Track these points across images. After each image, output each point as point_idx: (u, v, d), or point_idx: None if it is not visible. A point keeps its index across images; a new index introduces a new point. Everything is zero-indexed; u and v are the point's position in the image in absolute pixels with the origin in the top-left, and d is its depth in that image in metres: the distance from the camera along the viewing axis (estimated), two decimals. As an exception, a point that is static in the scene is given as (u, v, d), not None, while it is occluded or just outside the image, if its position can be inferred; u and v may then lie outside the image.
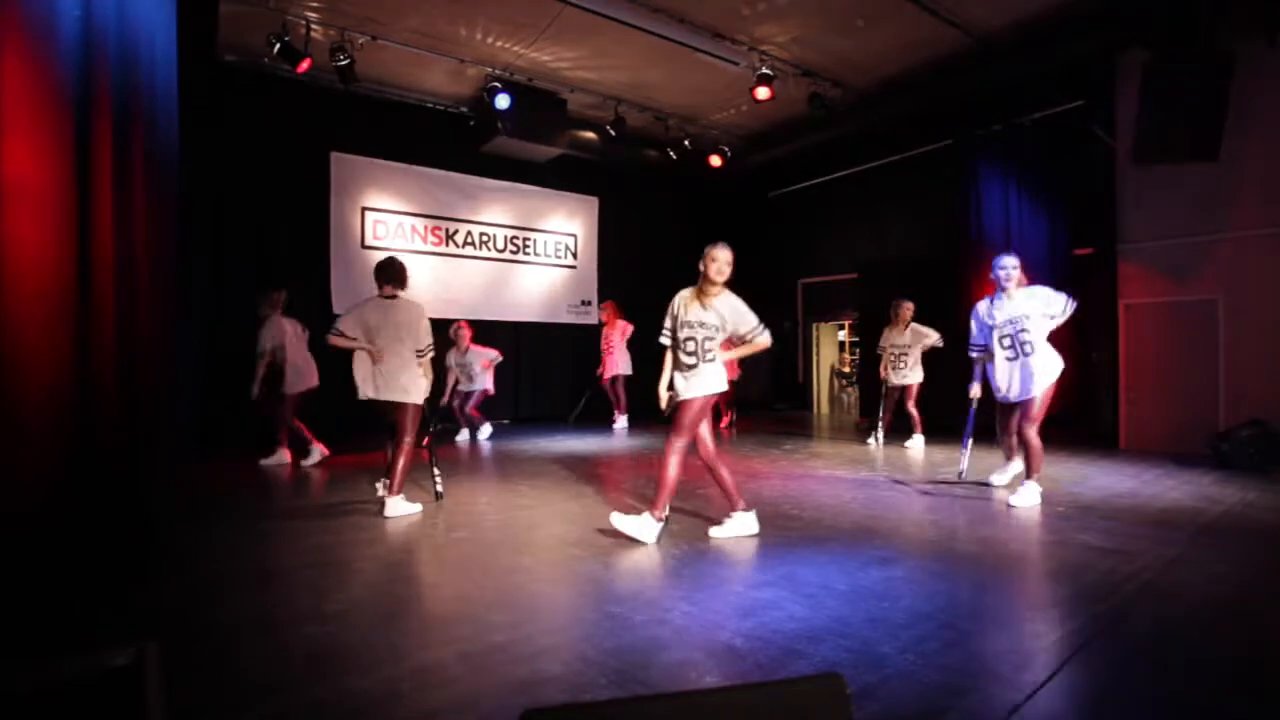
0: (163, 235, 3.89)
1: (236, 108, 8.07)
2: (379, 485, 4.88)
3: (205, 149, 7.54)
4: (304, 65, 7.51)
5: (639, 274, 11.07)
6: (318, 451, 6.61)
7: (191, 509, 4.63)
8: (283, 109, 8.41)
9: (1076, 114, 8.26)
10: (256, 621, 2.75)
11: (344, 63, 7.69)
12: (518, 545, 3.90)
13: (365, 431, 8.44)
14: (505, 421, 10.33)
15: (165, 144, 4.01)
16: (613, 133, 9.73)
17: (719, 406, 5.95)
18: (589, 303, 11.12)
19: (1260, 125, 6.84)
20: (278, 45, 7.33)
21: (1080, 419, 8.44)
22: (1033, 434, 4.98)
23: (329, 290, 8.86)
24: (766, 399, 12.69)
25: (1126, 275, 7.82)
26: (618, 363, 9.55)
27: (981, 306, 5.32)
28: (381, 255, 9.55)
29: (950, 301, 9.06)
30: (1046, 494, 5.11)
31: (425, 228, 9.72)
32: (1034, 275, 9.26)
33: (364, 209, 9.21)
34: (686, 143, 10.56)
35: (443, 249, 9.88)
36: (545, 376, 10.73)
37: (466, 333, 8.22)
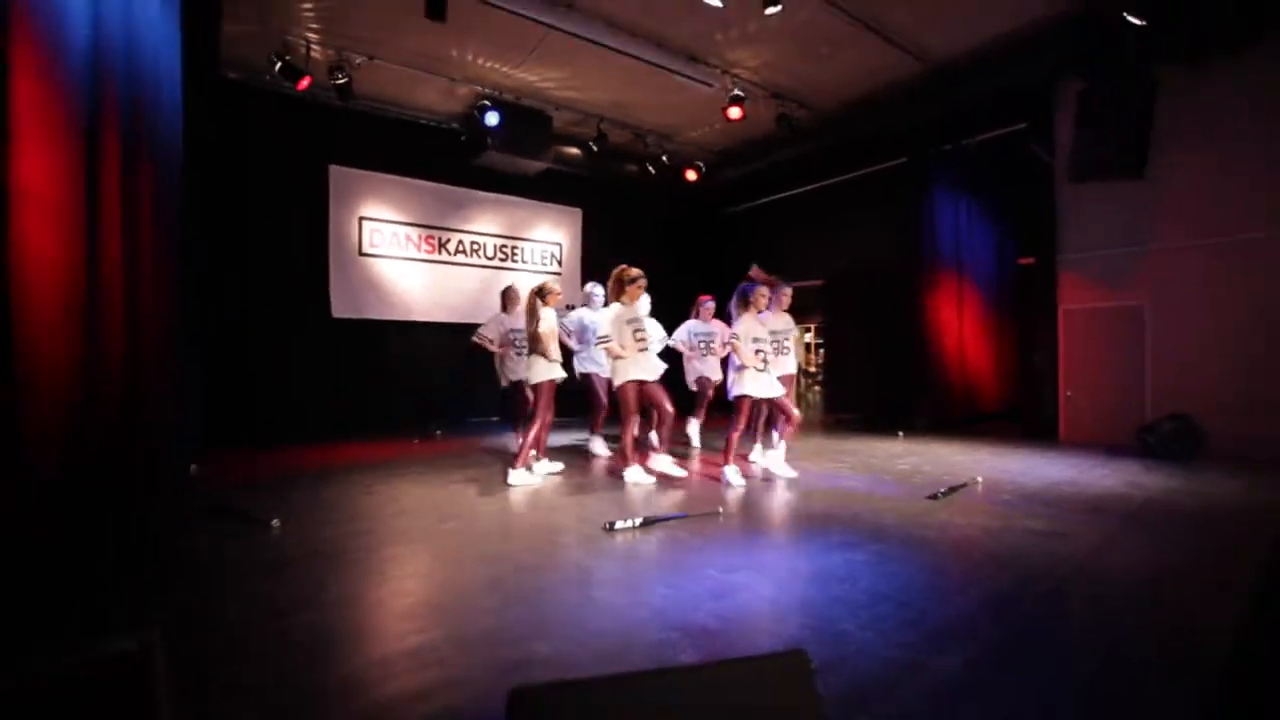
0: (167, 242, 3.83)
1: (239, 123, 7.95)
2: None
3: (208, 162, 7.43)
4: (304, 83, 7.41)
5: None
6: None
7: (192, 505, 4.57)
8: (284, 124, 8.29)
9: (1020, 135, 8.38)
10: (259, 611, 2.72)
11: (342, 81, 7.60)
12: (506, 534, 3.89)
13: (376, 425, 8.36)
14: (494, 419, 10.29)
15: (169, 156, 3.94)
16: (595, 148, 9.71)
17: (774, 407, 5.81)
18: (573, 307, 11.07)
19: (1181, 145, 6.97)
20: (279, 64, 7.23)
21: (1024, 415, 8.59)
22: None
23: (328, 295, 8.75)
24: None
25: (1066, 283, 7.95)
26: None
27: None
28: (377, 262, 9.60)
29: (906, 306, 9.17)
30: (993, 483, 5.18)
31: (419, 236, 9.64)
32: (982, 283, 9.46)
33: (361, 218, 9.11)
34: (664, 158, 10.57)
35: (436, 256, 9.80)
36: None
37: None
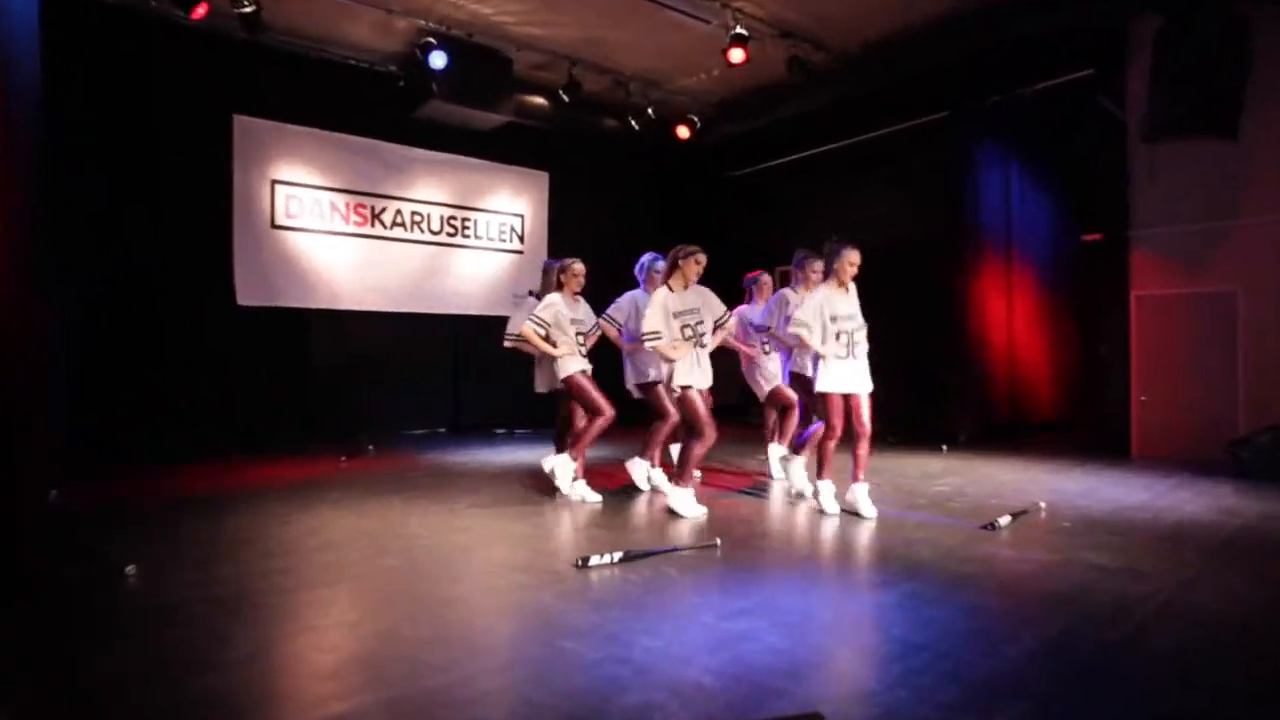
0: (24, 209, 3.74)
1: (117, 58, 7.82)
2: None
3: (76, 109, 7.32)
4: (199, 11, 7.32)
5: (594, 260, 11.01)
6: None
7: (62, 532, 4.48)
8: (174, 62, 8.18)
9: (1084, 85, 8.45)
10: (143, 672, 2.66)
11: (249, 9, 7.52)
12: (455, 572, 3.85)
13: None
14: (441, 430, 10.23)
15: (24, 95, 3.84)
16: (566, 98, 9.68)
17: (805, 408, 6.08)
18: (535, 294, 11.05)
19: (1283, 99, 7.04)
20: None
21: (1087, 423, 8.66)
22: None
23: (231, 277, 8.66)
24: (742, 404, 12.73)
25: (1139, 264, 8.03)
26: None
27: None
28: (295, 237, 9.51)
29: (944, 291, 9.22)
30: (1050, 507, 5.22)
31: (347, 205, 9.57)
32: (1036, 263, 9.55)
33: (274, 182, 9.02)
34: (650, 111, 10.57)
35: (367, 230, 9.73)
36: (488, 378, 10.63)
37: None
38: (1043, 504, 5.31)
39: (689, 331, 5.14)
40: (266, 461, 7.45)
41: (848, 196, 11.46)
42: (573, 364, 5.60)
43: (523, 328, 5.68)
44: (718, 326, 5.34)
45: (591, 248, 11.23)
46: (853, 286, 5.22)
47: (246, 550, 4.25)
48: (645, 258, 6.11)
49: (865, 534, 4.66)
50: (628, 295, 6.07)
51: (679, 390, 5.20)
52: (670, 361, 5.19)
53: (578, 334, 5.66)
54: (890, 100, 9.84)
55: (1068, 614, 3.22)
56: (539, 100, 10.15)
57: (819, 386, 5.05)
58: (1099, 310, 8.43)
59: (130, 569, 3.73)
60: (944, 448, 8.34)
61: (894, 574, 3.79)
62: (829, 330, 5.03)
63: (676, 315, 5.14)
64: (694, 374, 5.15)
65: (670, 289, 5.19)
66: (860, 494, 5.05)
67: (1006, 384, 9.23)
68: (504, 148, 10.61)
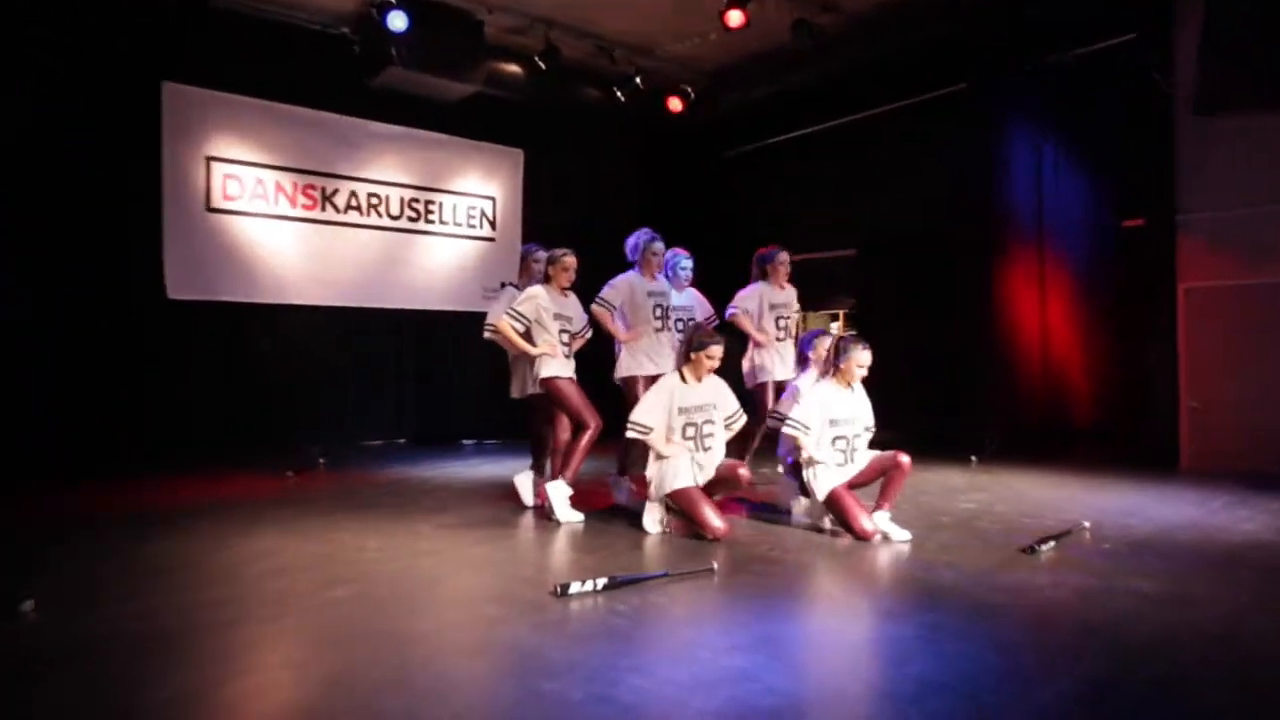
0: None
1: (23, 19, 7.74)
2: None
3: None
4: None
5: (574, 248, 11.02)
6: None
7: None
8: (94, 22, 8.11)
9: (1126, 51, 8.49)
10: None
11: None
12: (418, 604, 3.83)
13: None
14: (402, 441, 10.19)
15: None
16: (543, 65, 9.68)
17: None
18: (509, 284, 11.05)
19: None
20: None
21: (1129, 432, 8.69)
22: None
23: (161, 268, 8.59)
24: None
25: (1187, 253, 8.07)
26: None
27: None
28: (234, 222, 9.46)
29: (969, 284, 9.25)
30: (1091, 526, 5.23)
31: (294, 186, 9.53)
32: (1072, 252, 9.58)
33: (209, 159, 8.97)
34: (638, 80, 10.55)
35: (317, 214, 9.70)
36: (455, 383, 10.61)
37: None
38: (1087, 524, 5.32)
39: (691, 430, 5.18)
40: (201, 476, 7.38)
41: (860, 179, 11.49)
42: (554, 365, 5.58)
43: (499, 320, 5.65)
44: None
45: (572, 234, 11.32)
46: (859, 386, 5.31)
47: (174, 579, 4.20)
48: (640, 236, 6.14)
49: (880, 558, 4.66)
50: (623, 277, 6.10)
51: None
52: (661, 458, 5.18)
53: (563, 332, 5.65)
54: (908, 69, 9.87)
55: (1110, 649, 3.22)
56: (512, 68, 10.12)
57: (819, 496, 5.16)
58: (1142, 305, 8.45)
59: (28, 604, 3.59)
60: (973, 459, 8.36)
61: (912, 603, 3.79)
62: (825, 435, 5.13)
63: (681, 410, 5.17)
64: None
65: (683, 379, 5.23)
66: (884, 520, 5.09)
67: (1039, 388, 9.26)
68: (473, 122, 10.59)
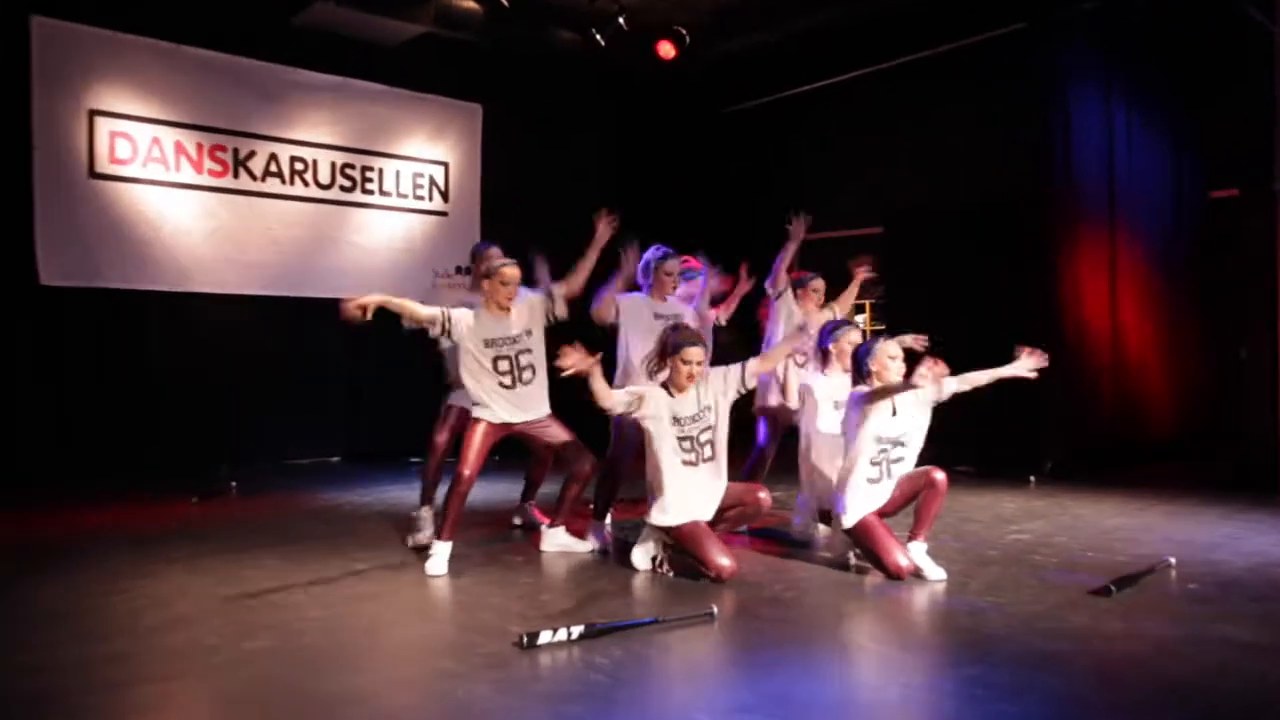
0: None
1: None
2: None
3: None
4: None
5: (543, 223, 11.02)
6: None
7: None
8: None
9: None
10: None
11: None
12: (354, 659, 3.81)
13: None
14: (334, 459, 10.15)
15: None
16: (505, 2, 9.68)
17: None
18: (467, 269, 11.04)
19: None
20: None
21: (1219, 448, 8.72)
22: None
23: (32, 248, 8.55)
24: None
25: (1292, 230, 8.09)
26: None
27: None
28: (125, 189, 9.37)
29: (1026, 270, 9.26)
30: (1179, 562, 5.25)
31: (199, 147, 9.50)
32: (1149, 231, 9.63)
33: (93, 113, 8.93)
34: (621, 20, 10.54)
35: (228, 182, 9.68)
36: (396, 388, 10.55)
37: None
38: (1172, 559, 5.33)
39: (688, 445, 5.18)
40: (87, 503, 7.33)
41: (888, 141, 11.50)
42: (479, 409, 5.49)
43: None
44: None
45: (539, 207, 11.34)
46: (922, 391, 5.25)
47: (57, 630, 4.17)
48: (652, 253, 6.10)
49: (915, 600, 4.65)
50: (632, 296, 6.12)
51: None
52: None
53: (500, 359, 5.47)
54: (950, 6, 9.91)
55: (1194, 708, 3.23)
56: (468, 3, 10.11)
57: (846, 523, 5.11)
58: (1235, 294, 8.48)
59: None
60: (1031, 479, 8.39)
61: (954, 653, 3.79)
62: (867, 450, 5.12)
63: (676, 420, 5.15)
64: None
65: (670, 392, 5.18)
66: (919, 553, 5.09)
67: (1108, 395, 9.29)
68: (421, 70, 10.62)
